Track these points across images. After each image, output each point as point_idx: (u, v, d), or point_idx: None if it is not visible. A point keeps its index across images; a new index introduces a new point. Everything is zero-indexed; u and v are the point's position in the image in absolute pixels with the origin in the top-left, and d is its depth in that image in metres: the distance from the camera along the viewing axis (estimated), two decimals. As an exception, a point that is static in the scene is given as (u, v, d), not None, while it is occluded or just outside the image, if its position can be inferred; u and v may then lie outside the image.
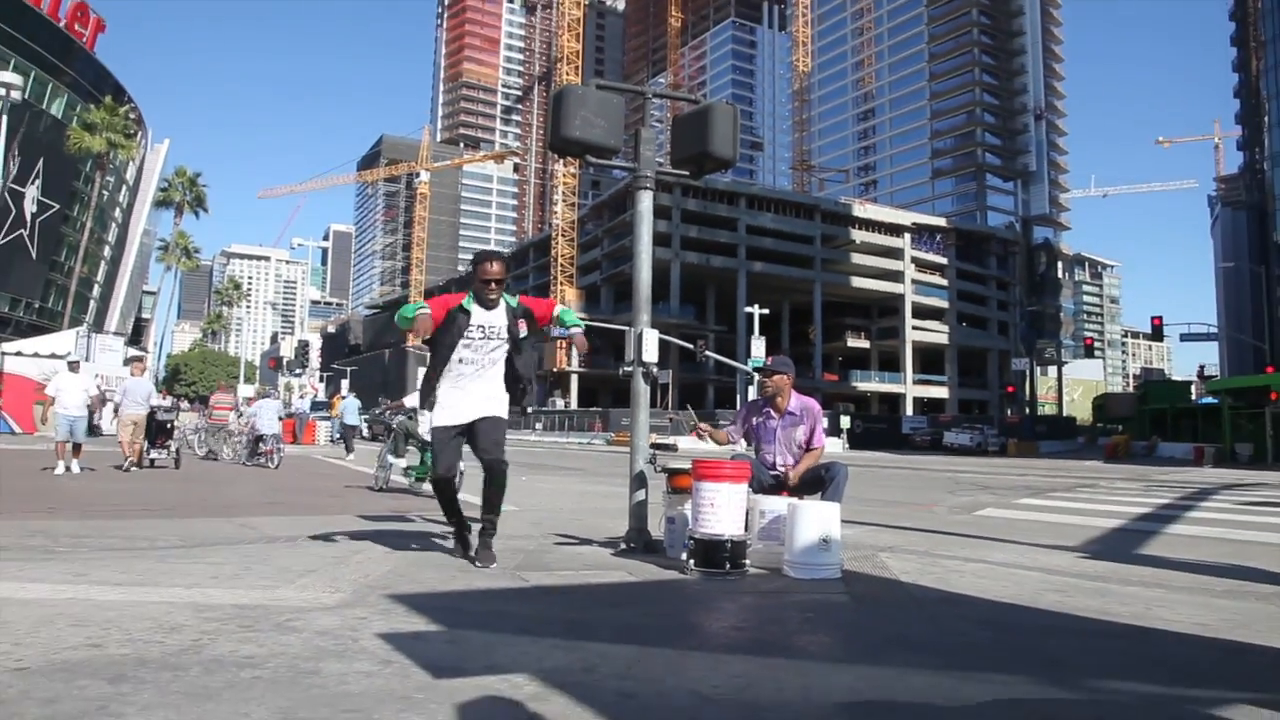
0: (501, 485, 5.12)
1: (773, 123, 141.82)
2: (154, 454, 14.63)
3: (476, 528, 5.16)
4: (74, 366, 13.55)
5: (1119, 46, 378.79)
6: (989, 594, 4.61)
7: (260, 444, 16.89)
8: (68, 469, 12.51)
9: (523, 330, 5.10)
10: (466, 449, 5.19)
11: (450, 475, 5.15)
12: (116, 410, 14.59)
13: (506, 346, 5.07)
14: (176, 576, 4.42)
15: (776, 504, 5.28)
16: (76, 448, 12.76)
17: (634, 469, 5.87)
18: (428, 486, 9.77)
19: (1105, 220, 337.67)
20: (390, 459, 11.45)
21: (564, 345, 74.95)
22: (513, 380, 5.14)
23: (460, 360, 5.00)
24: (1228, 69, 78.73)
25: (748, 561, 4.99)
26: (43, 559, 4.89)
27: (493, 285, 4.99)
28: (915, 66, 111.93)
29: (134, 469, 13.73)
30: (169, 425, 15.07)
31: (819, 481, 5.72)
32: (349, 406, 24.25)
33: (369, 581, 4.37)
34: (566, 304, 76.03)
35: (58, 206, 53.28)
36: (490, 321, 5.02)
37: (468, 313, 4.99)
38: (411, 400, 11.46)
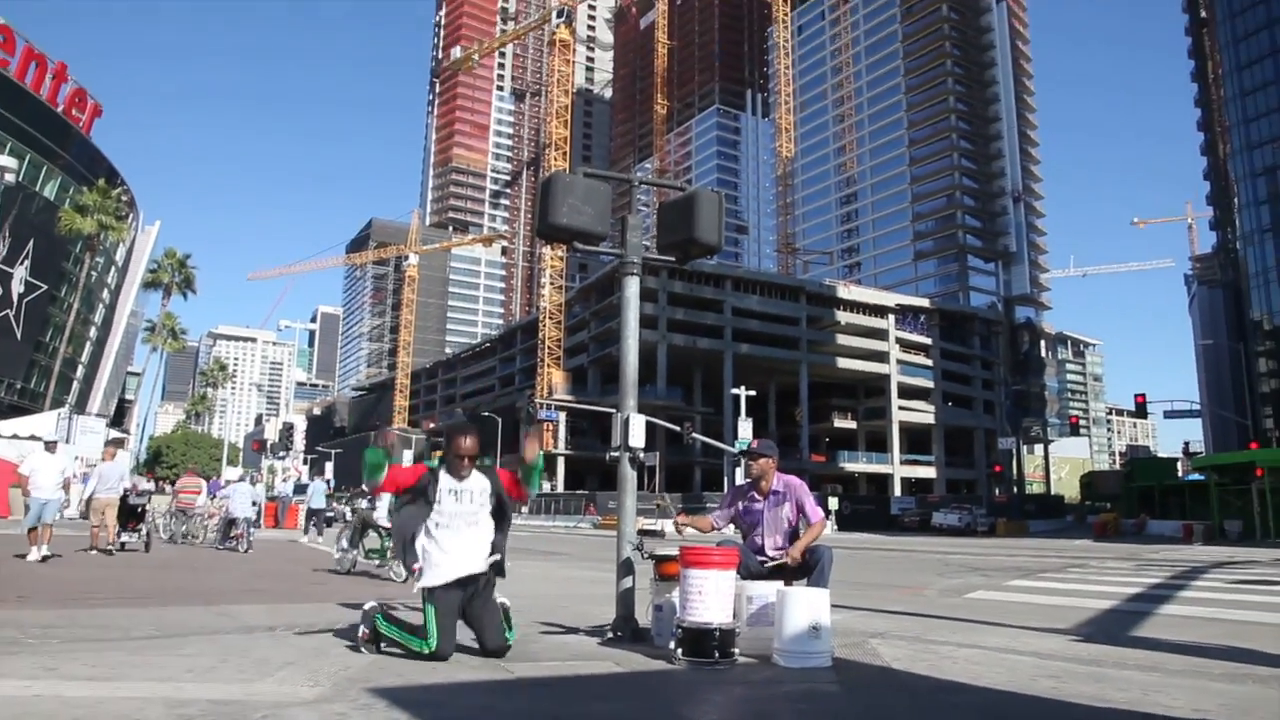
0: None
1: (757, 206, 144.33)
2: (125, 537, 14.65)
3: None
4: (51, 447, 13.21)
5: (1093, 132, 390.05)
6: (983, 681, 4.52)
7: (233, 527, 16.87)
8: (43, 557, 11.72)
9: (489, 495, 5.03)
10: None
11: (446, 655, 4.70)
12: (87, 496, 14.73)
13: (482, 510, 5.00)
14: (150, 670, 4.30)
15: (765, 590, 5.20)
16: (45, 530, 12.09)
17: (621, 555, 5.79)
18: (399, 569, 10.22)
19: (1086, 299, 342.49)
20: (345, 546, 11.81)
21: (550, 427, 74.80)
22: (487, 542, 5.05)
23: (436, 525, 4.91)
24: (1197, 151, 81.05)
25: (737, 650, 4.89)
26: (9, 652, 4.75)
27: (465, 462, 4.96)
28: (896, 151, 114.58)
29: (105, 553, 13.69)
30: (140, 509, 15.12)
31: (804, 566, 5.66)
32: (316, 489, 24.40)
33: (349, 675, 4.25)
34: (553, 387, 76.20)
35: (46, 287, 53.35)
36: (460, 486, 4.97)
37: (435, 473, 4.98)
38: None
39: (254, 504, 18.62)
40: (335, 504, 26.75)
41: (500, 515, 5.09)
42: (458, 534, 4.92)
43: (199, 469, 29.12)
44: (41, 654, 4.69)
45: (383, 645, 4.84)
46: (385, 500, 10.81)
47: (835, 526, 47.31)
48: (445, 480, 4.94)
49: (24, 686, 3.80)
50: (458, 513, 4.93)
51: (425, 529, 4.90)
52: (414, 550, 4.92)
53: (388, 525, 10.84)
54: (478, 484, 4.99)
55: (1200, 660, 5.33)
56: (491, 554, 5.03)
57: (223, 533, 17.48)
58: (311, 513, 23.14)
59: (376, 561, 11.36)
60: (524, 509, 59.39)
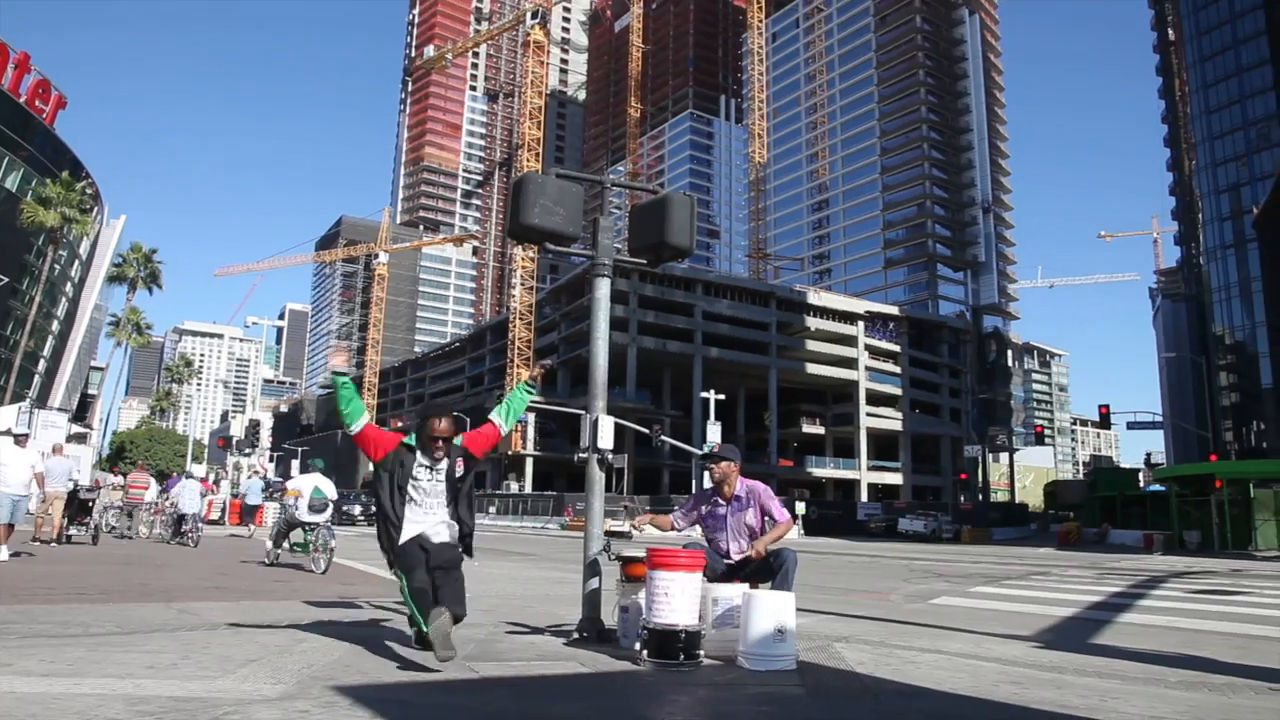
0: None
1: (729, 211, 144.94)
2: (72, 530, 15.30)
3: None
4: (21, 441, 12.22)
5: (1061, 145, 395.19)
6: (945, 685, 4.57)
7: (182, 523, 17.43)
8: (12, 554, 11.36)
9: (459, 469, 5.00)
10: None
11: (424, 585, 4.70)
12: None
13: (449, 489, 4.99)
14: (110, 666, 4.24)
15: (731, 592, 5.23)
16: (8, 529, 11.40)
17: (588, 556, 5.80)
18: (319, 562, 11.72)
19: (1052, 310, 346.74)
20: (269, 545, 13.09)
21: (518, 427, 74.53)
22: (457, 523, 5.03)
23: (408, 500, 4.89)
24: (1164, 167, 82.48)
25: (702, 652, 4.91)
26: (-33, 648, 4.67)
27: (439, 444, 4.91)
28: (868, 159, 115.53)
29: (45, 544, 14.41)
30: (89, 504, 15.87)
31: (768, 569, 5.69)
32: (252, 486, 24.66)
33: (313, 672, 4.23)
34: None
35: (7, 279, 52.39)
36: (436, 465, 4.95)
37: (410, 448, 4.93)
38: (293, 484, 13.37)
39: (203, 497, 19.08)
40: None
41: (465, 484, 5.05)
42: (429, 513, 4.92)
43: (149, 466, 29.11)
44: (-3, 650, 4.61)
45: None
46: (305, 499, 12.34)
47: (802, 531, 47.54)
48: (421, 456, 4.92)
49: (-21, 683, 3.74)
50: (430, 491, 4.92)
51: (397, 506, 4.86)
52: (397, 537, 4.84)
53: (308, 521, 12.24)
54: (451, 458, 4.98)
55: (1157, 668, 5.42)
56: (460, 530, 5.01)
57: (174, 528, 17.94)
58: (249, 508, 23.33)
59: (300, 550, 12.47)
60: (491, 509, 59.22)
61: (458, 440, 5.03)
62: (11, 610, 6.38)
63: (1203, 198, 67.08)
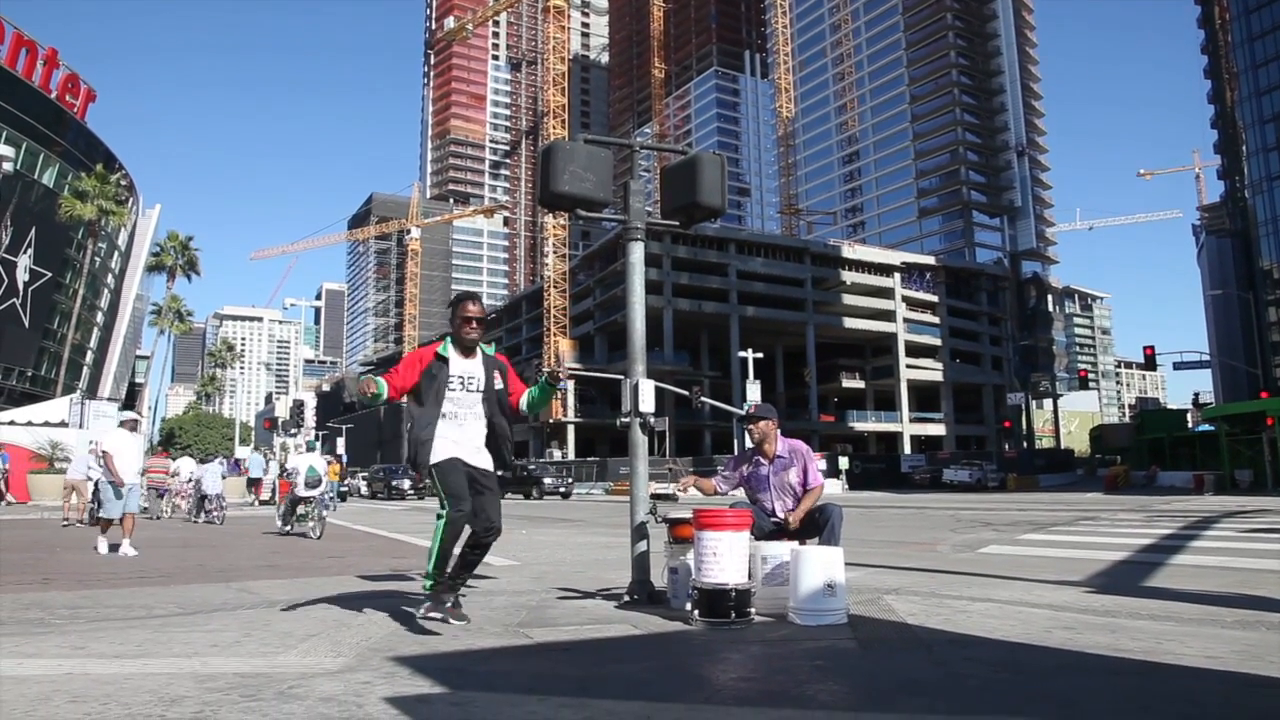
0: (482, 554, 4.94)
1: (759, 168, 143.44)
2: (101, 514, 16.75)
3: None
4: (133, 426, 11.47)
5: (1096, 83, 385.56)
6: (997, 634, 4.57)
7: (205, 503, 18.80)
8: (114, 548, 10.50)
9: (498, 382, 4.93)
10: None
11: (471, 511, 4.67)
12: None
13: (490, 402, 4.91)
14: (176, 646, 4.36)
15: (779, 550, 5.24)
16: (129, 519, 10.69)
17: (635, 520, 5.84)
18: (317, 529, 13.70)
19: (1093, 253, 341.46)
20: (281, 520, 15.03)
21: (558, 396, 74.96)
22: (492, 438, 4.97)
23: (443, 416, 4.80)
24: (1204, 100, 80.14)
25: (753, 610, 4.94)
26: (39, 632, 4.82)
27: (472, 324, 4.87)
28: (897, 108, 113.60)
29: (66, 524, 16.12)
30: None
31: (814, 525, 5.71)
32: (254, 461, 25.08)
33: (371, 644, 4.32)
34: (560, 355, 76.23)
35: (50, 274, 53.45)
36: (468, 371, 4.88)
37: (445, 360, 4.85)
38: (291, 464, 15.60)
39: (223, 478, 20.71)
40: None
41: (502, 408, 4.98)
42: (463, 426, 4.85)
43: (171, 453, 30.29)
44: (69, 634, 4.76)
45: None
46: (302, 477, 14.50)
47: (846, 485, 47.50)
48: (455, 364, 4.85)
49: (55, 665, 3.87)
50: (464, 401, 4.85)
51: (434, 424, 4.78)
52: (426, 454, 4.75)
53: (304, 495, 14.40)
54: (486, 369, 4.92)
55: (1212, 609, 5.37)
56: (498, 446, 4.96)
57: (197, 507, 19.39)
58: (251, 481, 23.76)
59: (309, 524, 14.16)
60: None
61: (490, 350, 5.01)
62: (79, 595, 6.57)
63: (1246, 129, 65.14)
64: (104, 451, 10.87)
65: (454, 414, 4.83)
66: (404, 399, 4.94)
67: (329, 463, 29.31)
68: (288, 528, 14.62)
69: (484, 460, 4.88)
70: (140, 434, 11.57)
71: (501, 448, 5.00)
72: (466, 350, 4.91)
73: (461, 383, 4.85)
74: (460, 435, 4.82)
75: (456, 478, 4.69)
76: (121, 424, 11.47)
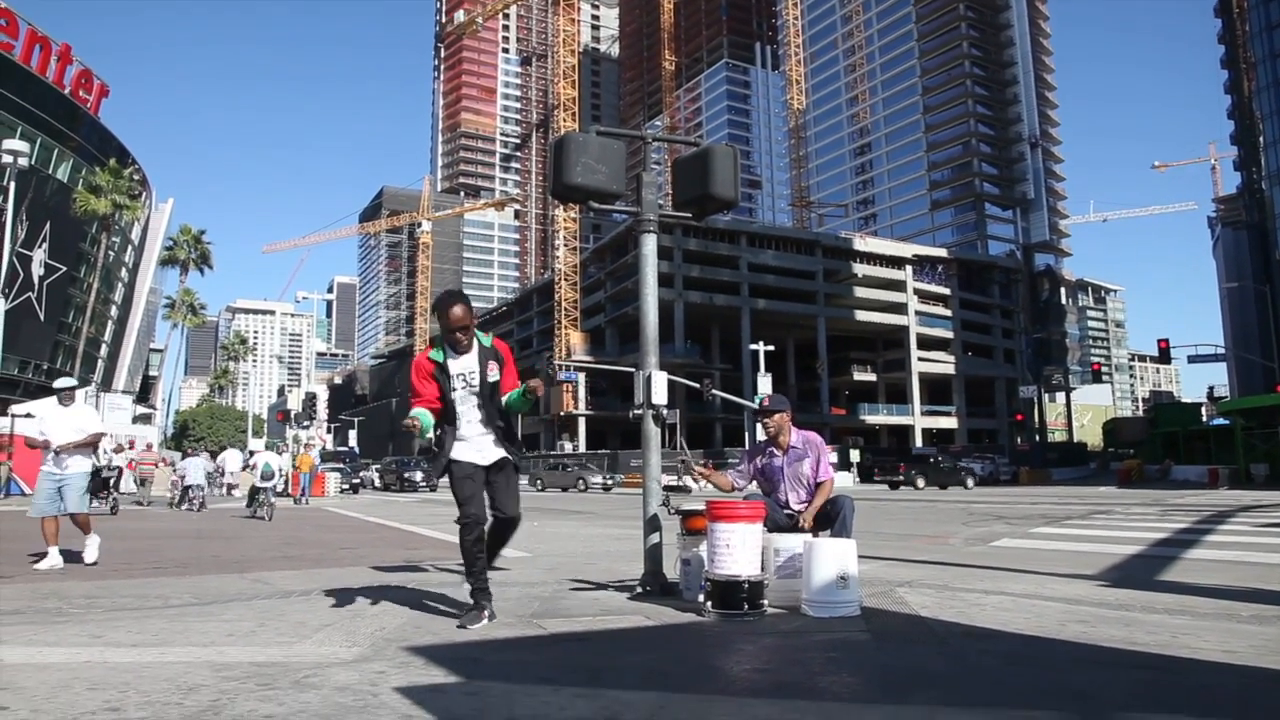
0: (508, 539, 5.04)
1: (770, 160, 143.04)
2: (95, 502, 17.71)
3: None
4: (68, 397, 8.47)
5: (1110, 75, 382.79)
6: (1011, 627, 4.55)
7: (189, 492, 20.84)
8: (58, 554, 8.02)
9: (492, 373, 4.81)
10: None
11: (477, 516, 4.68)
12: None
13: (481, 393, 4.83)
14: (192, 635, 4.40)
15: (792, 542, 5.24)
16: (74, 519, 8.22)
17: (647, 512, 5.84)
18: (267, 514, 17.10)
19: (1106, 245, 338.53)
20: (246, 505, 18.83)
21: (569, 388, 75.05)
22: (500, 421, 4.91)
23: (453, 418, 4.82)
24: (1220, 91, 79.49)
25: (766, 601, 4.94)
26: (57, 621, 4.87)
27: (458, 334, 4.77)
28: (909, 100, 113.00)
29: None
30: (109, 480, 19.22)
31: (826, 517, 5.71)
32: (193, 465, 23.32)
33: (386, 634, 4.34)
34: (572, 348, 76.20)
35: (65, 268, 53.72)
36: (466, 368, 4.80)
37: (443, 366, 4.80)
38: (254, 459, 20.45)
39: (207, 473, 23.15)
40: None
41: (496, 383, 4.88)
42: (472, 422, 4.83)
43: (150, 446, 32.22)
44: (87, 622, 4.80)
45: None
46: (259, 470, 18.25)
47: (858, 479, 47.40)
48: (453, 366, 4.80)
49: (73, 653, 3.91)
50: (468, 398, 4.81)
51: (447, 433, 4.80)
52: (442, 461, 4.80)
53: (261, 485, 17.95)
54: (481, 362, 4.82)
55: (1228, 603, 5.34)
56: (508, 426, 4.91)
57: (181, 496, 21.32)
58: (187, 488, 22.16)
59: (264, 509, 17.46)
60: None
61: (487, 340, 4.91)
62: (95, 585, 6.62)
63: (1264, 119, 64.51)
64: (41, 431, 8.28)
65: (461, 413, 4.82)
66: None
67: (296, 456, 30.84)
68: (250, 511, 17.83)
69: (495, 453, 4.85)
70: (79, 407, 8.58)
71: (511, 427, 4.95)
72: (461, 349, 4.85)
73: (464, 381, 4.81)
74: (470, 432, 4.83)
75: (463, 483, 4.71)
76: (56, 393, 8.54)
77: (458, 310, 4.75)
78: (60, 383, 8.74)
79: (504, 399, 4.93)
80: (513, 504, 4.87)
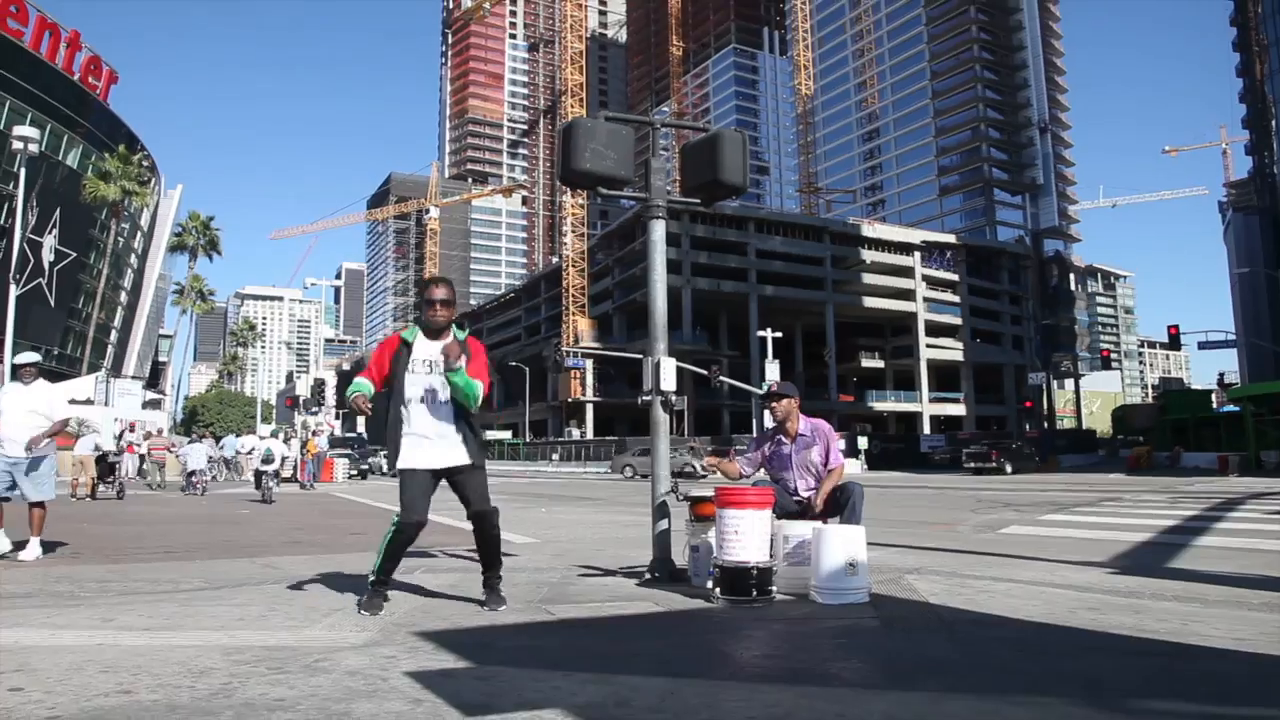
0: (496, 536, 4.77)
1: (778, 146, 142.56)
2: (102, 487, 19.00)
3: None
4: (29, 374, 7.51)
5: (1120, 59, 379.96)
6: (1020, 614, 4.55)
7: (192, 476, 21.49)
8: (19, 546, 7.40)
9: (459, 362, 4.52)
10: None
11: (418, 523, 4.60)
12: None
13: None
14: (204, 619, 4.43)
15: (801, 529, 5.24)
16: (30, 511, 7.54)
17: (656, 498, 5.85)
18: (268, 496, 17.79)
19: (1116, 231, 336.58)
20: (255, 488, 19.57)
21: (577, 375, 75.08)
22: (463, 417, 4.71)
23: (409, 400, 4.65)
24: (1231, 74, 78.83)
25: (774, 588, 4.95)
26: (70, 605, 4.90)
27: (437, 306, 4.71)
28: (918, 85, 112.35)
29: (78, 499, 17.55)
30: (115, 465, 20.27)
31: (835, 504, 5.70)
32: (194, 451, 23.54)
33: (395, 619, 4.36)
34: (580, 334, 76.17)
35: (75, 254, 53.88)
36: (430, 353, 4.69)
37: (409, 345, 4.73)
38: (259, 443, 21.65)
39: (209, 459, 24.71)
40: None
41: (458, 372, 4.66)
42: (429, 411, 4.65)
43: (161, 433, 32.45)
44: (99, 606, 4.84)
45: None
46: (259, 454, 19.47)
47: (865, 465, 47.37)
48: (419, 348, 4.72)
49: (86, 636, 3.94)
50: (431, 386, 4.66)
51: (405, 410, 4.67)
52: (394, 458, 4.69)
53: (261, 469, 18.68)
54: (450, 348, 4.60)
55: (1238, 591, 5.33)
56: (466, 437, 4.70)
57: (186, 480, 21.86)
58: (191, 473, 22.17)
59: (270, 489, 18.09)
60: (554, 456, 60.02)
61: (462, 335, 4.82)
62: (107, 569, 6.66)
63: (1276, 103, 63.91)
64: None
65: (421, 399, 4.66)
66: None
67: (304, 441, 31.87)
68: (258, 493, 18.54)
69: (458, 455, 4.66)
70: (40, 387, 7.58)
71: (471, 422, 4.74)
72: (434, 333, 4.76)
73: (427, 366, 4.68)
74: (427, 426, 4.64)
75: (412, 488, 4.60)
76: (14, 370, 7.68)
77: (439, 289, 4.79)
78: (20, 358, 7.57)
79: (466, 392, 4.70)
80: (482, 499, 4.68)
